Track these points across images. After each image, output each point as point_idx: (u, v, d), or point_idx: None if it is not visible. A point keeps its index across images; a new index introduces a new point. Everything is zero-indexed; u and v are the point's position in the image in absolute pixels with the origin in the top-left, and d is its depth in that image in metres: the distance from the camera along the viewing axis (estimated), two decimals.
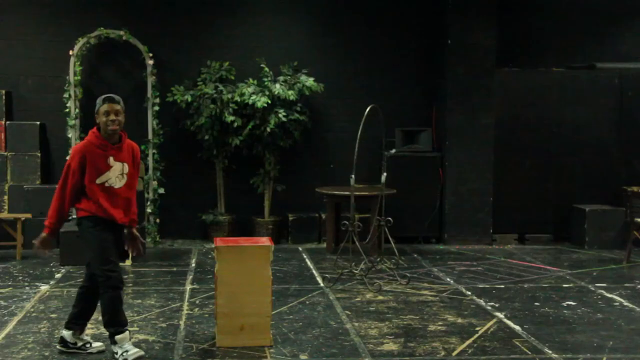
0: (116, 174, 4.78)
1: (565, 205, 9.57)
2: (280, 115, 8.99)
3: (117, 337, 4.76)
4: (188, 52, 9.48)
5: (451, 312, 6.13)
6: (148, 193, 9.07)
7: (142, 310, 6.10)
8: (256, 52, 9.46)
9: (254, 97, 8.89)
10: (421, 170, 9.44)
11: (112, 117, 4.72)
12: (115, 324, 4.77)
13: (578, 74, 9.73)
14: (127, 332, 4.82)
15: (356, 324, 5.74)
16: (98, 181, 4.72)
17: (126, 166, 4.83)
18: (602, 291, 6.92)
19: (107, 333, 4.85)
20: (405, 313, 6.08)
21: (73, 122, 8.94)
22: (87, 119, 9.24)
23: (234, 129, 9.10)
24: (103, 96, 4.82)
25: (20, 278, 7.29)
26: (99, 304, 4.90)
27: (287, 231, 9.46)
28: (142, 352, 4.85)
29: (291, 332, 5.49)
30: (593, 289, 7.02)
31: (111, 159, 4.76)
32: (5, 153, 8.92)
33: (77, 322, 4.95)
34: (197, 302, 6.39)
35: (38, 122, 9.02)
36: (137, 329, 5.56)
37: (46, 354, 4.99)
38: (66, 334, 4.96)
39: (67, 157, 8.87)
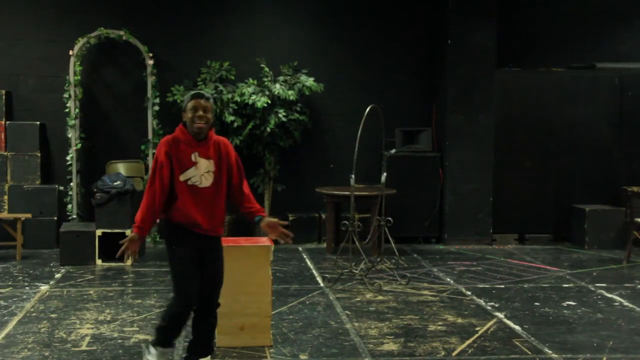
0: (201, 172, 4.36)
1: (565, 205, 9.57)
2: (280, 115, 8.99)
3: (160, 348, 4.45)
4: (188, 52, 9.47)
5: (451, 312, 6.13)
6: None
7: (142, 310, 6.10)
8: (256, 52, 9.46)
9: (254, 97, 8.89)
10: (421, 170, 9.43)
11: (200, 113, 4.34)
12: (163, 339, 4.44)
13: (578, 74, 9.73)
14: (170, 351, 4.51)
15: (356, 324, 5.74)
16: (182, 178, 4.32)
17: (213, 163, 4.39)
18: (602, 291, 6.92)
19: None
20: (405, 313, 6.08)
21: (73, 122, 8.93)
22: (87, 119, 9.26)
23: (233, 129, 9.09)
24: (192, 92, 4.46)
25: (20, 278, 7.29)
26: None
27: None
28: None
29: (291, 332, 5.49)
30: (593, 289, 7.02)
31: (196, 154, 4.36)
32: (5, 153, 8.92)
33: (190, 354, 4.62)
34: None
35: (38, 122, 9.02)
36: (137, 329, 5.57)
37: (46, 354, 4.99)
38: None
39: (68, 157, 8.95)
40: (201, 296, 4.42)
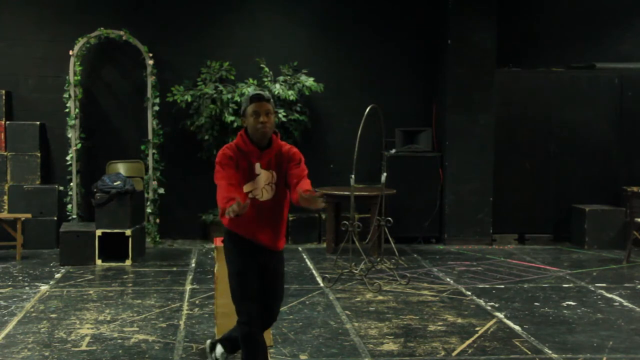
0: (262, 185, 4.04)
1: (565, 205, 9.57)
2: (280, 115, 9.00)
3: (225, 354, 4.21)
4: (188, 52, 9.47)
5: (451, 312, 6.13)
6: (148, 193, 9.07)
7: (142, 310, 6.11)
8: (256, 52, 9.46)
9: None
10: (421, 170, 9.43)
11: (263, 118, 3.99)
12: (233, 350, 4.17)
13: (578, 74, 9.73)
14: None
15: (356, 324, 5.74)
16: (245, 189, 4.00)
17: (275, 175, 4.07)
18: (602, 291, 6.92)
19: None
20: (405, 313, 6.08)
21: (73, 122, 8.93)
22: (87, 119, 9.26)
23: (233, 129, 9.09)
24: (250, 93, 4.08)
25: (20, 278, 7.29)
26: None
27: (287, 231, 9.43)
28: None
29: (291, 332, 5.50)
30: (593, 289, 7.02)
31: (258, 165, 4.04)
32: (5, 153, 8.92)
33: (231, 346, 4.43)
34: (197, 302, 6.39)
35: (38, 122, 9.02)
36: (137, 329, 5.57)
37: (46, 354, 4.99)
38: (219, 351, 4.46)
39: (67, 157, 8.95)
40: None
